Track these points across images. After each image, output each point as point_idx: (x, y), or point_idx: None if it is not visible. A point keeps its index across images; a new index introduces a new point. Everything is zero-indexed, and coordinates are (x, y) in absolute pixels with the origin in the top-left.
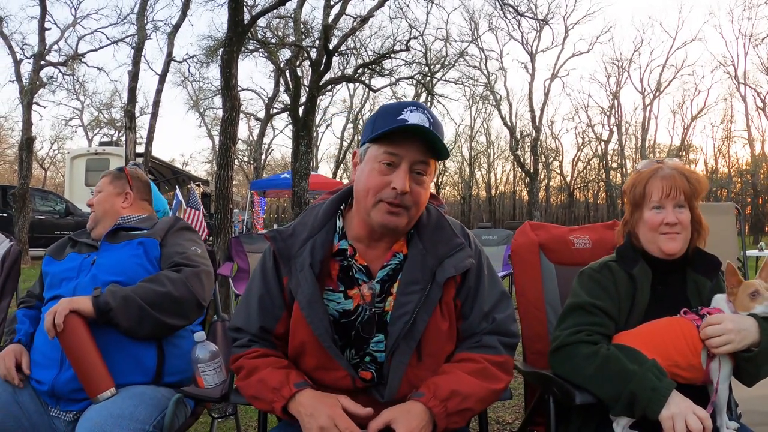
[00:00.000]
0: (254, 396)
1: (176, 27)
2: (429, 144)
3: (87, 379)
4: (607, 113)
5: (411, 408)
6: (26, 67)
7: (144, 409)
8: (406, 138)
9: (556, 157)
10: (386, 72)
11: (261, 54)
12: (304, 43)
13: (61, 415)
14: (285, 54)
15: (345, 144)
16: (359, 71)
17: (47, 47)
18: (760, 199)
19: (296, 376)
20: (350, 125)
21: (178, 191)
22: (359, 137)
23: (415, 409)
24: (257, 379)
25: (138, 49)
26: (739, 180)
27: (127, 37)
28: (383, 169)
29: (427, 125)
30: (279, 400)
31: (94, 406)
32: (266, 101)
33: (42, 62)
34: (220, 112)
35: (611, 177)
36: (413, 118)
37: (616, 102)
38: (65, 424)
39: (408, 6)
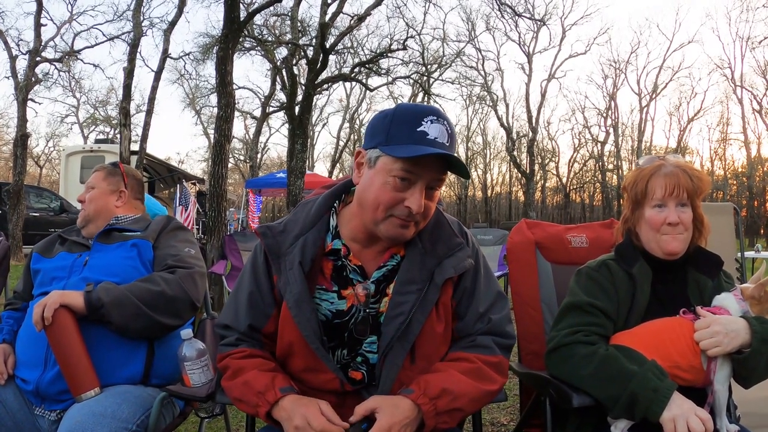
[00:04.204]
0: (238, 398)
1: (172, 24)
2: (447, 160)
3: (71, 376)
4: (604, 115)
5: (399, 402)
6: (22, 64)
7: (127, 408)
8: (427, 156)
9: (553, 158)
10: (383, 71)
11: (257, 52)
12: (300, 42)
13: (45, 414)
14: (281, 52)
15: (341, 143)
16: (356, 70)
17: (43, 43)
18: (756, 202)
19: (282, 381)
20: (347, 124)
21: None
22: (355, 136)
23: (402, 404)
24: (242, 381)
25: (134, 46)
26: (734, 182)
27: (123, 33)
28: (398, 184)
29: (446, 139)
30: (263, 405)
31: (77, 405)
32: (263, 99)
33: (38, 58)
34: (216, 110)
35: (607, 178)
36: (433, 131)
37: (612, 103)
38: (49, 423)
39: (405, 5)
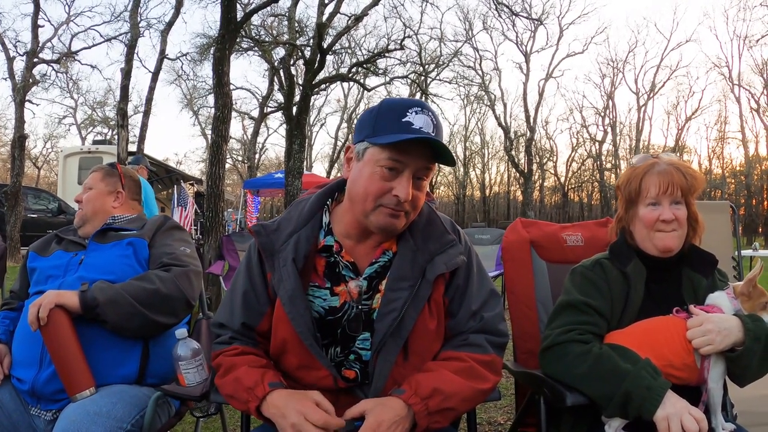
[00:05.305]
0: (230, 395)
1: (169, 24)
2: (433, 149)
3: (67, 376)
4: (602, 114)
5: (388, 402)
6: (19, 65)
7: (122, 407)
8: (412, 144)
9: (551, 158)
10: (380, 71)
11: (255, 52)
12: (298, 42)
13: (41, 414)
14: (279, 53)
15: (339, 143)
16: (353, 70)
17: (40, 45)
18: (754, 200)
19: (272, 377)
20: (344, 125)
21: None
22: (353, 136)
23: (391, 404)
24: (233, 377)
25: (131, 47)
26: (732, 181)
27: (120, 34)
28: (385, 174)
29: (432, 129)
30: (253, 400)
31: (73, 404)
32: (260, 100)
33: (35, 60)
34: (213, 111)
35: (605, 177)
36: (418, 120)
37: (610, 103)
38: (45, 423)
39: (402, 5)
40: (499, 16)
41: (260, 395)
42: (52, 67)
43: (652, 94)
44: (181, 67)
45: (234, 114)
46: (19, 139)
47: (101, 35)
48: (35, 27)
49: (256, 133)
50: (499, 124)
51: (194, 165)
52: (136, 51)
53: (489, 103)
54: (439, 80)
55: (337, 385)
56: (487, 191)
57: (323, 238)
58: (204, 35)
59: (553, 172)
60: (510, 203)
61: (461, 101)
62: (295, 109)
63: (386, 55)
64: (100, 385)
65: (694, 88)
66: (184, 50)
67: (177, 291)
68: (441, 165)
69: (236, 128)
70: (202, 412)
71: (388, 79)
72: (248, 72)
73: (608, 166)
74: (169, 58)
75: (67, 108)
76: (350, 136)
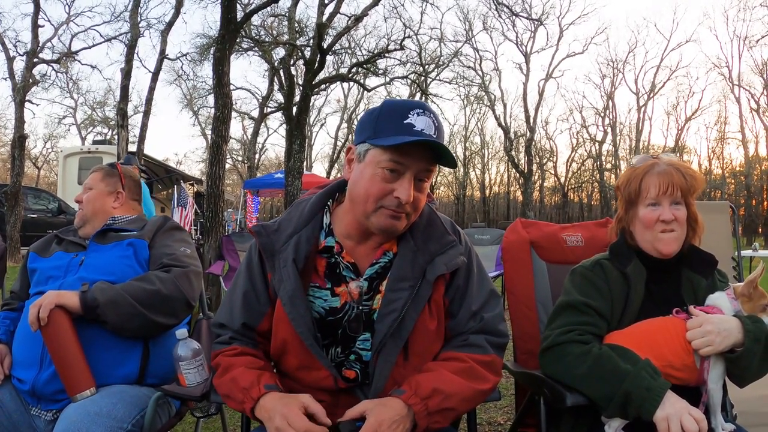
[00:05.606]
0: (227, 395)
1: (170, 24)
2: (435, 151)
3: (67, 376)
4: (602, 114)
5: (388, 402)
6: (19, 65)
7: (123, 408)
8: (413, 146)
9: (551, 158)
10: (380, 71)
11: (255, 53)
12: (298, 42)
13: (41, 414)
14: (279, 53)
15: (339, 143)
16: (353, 70)
17: (40, 45)
18: (754, 201)
19: (268, 378)
20: (344, 125)
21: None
22: (353, 136)
23: (392, 404)
24: (230, 377)
25: (131, 47)
26: (732, 181)
27: (120, 35)
28: (386, 176)
29: (433, 131)
30: (248, 401)
31: (73, 405)
32: (260, 100)
33: (35, 60)
34: (213, 111)
35: (605, 178)
36: (420, 122)
37: (610, 103)
38: (45, 423)
39: (402, 5)
40: (499, 16)
41: (255, 396)
42: (52, 67)
43: (652, 95)
44: (181, 67)
45: (234, 114)
46: (19, 139)
47: (101, 35)
48: (35, 27)
49: (256, 133)
50: (499, 125)
51: (194, 165)
52: (136, 51)
53: (489, 104)
54: (439, 80)
55: (337, 386)
56: (487, 191)
57: (324, 238)
58: (204, 35)
59: (553, 172)
60: (510, 203)
61: (461, 101)
62: (295, 109)
63: (386, 55)
64: (101, 386)
65: (694, 89)
66: (184, 50)
67: (177, 292)
68: (441, 166)
69: (236, 128)
70: (203, 412)
71: (388, 79)
72: (248, 72)
73: (608, 166)
74: (169, 58)
75: (67, 108)
76: (350, 137)
